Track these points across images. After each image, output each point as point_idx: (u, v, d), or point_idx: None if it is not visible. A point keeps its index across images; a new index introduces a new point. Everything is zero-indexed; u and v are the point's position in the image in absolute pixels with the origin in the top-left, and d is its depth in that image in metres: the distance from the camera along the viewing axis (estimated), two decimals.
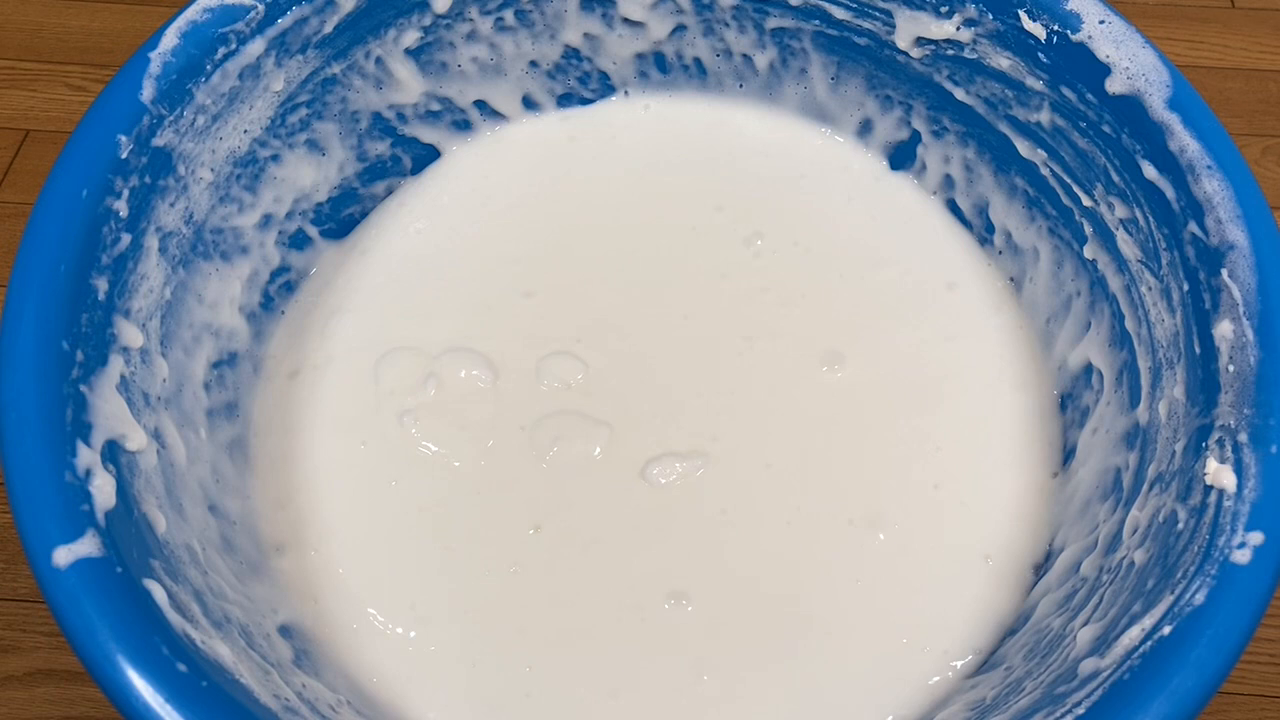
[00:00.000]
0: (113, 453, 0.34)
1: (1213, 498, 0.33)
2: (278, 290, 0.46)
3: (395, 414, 0.43)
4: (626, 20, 0.50)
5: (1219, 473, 0.33)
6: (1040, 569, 0.41)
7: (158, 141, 0.39)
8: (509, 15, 0.49)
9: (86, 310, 0.36)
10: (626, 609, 0.39)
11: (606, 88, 0.52)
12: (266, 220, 0.45)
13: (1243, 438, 0.33)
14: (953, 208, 0.49)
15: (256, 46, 0.42)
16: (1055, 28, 0.41)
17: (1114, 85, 0.40)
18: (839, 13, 0.47)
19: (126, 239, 0.38)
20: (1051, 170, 0.44)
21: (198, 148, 0.41)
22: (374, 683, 0.38)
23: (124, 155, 0.38)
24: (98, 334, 0.36)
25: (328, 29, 0.44)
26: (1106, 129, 0.41)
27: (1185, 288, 0.37)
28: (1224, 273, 0.36)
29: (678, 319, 0.46)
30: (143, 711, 0.29)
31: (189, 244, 0.41)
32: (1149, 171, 0.39)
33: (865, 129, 0.50)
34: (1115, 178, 0.41)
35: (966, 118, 0.47)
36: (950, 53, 0.45)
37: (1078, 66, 0.41)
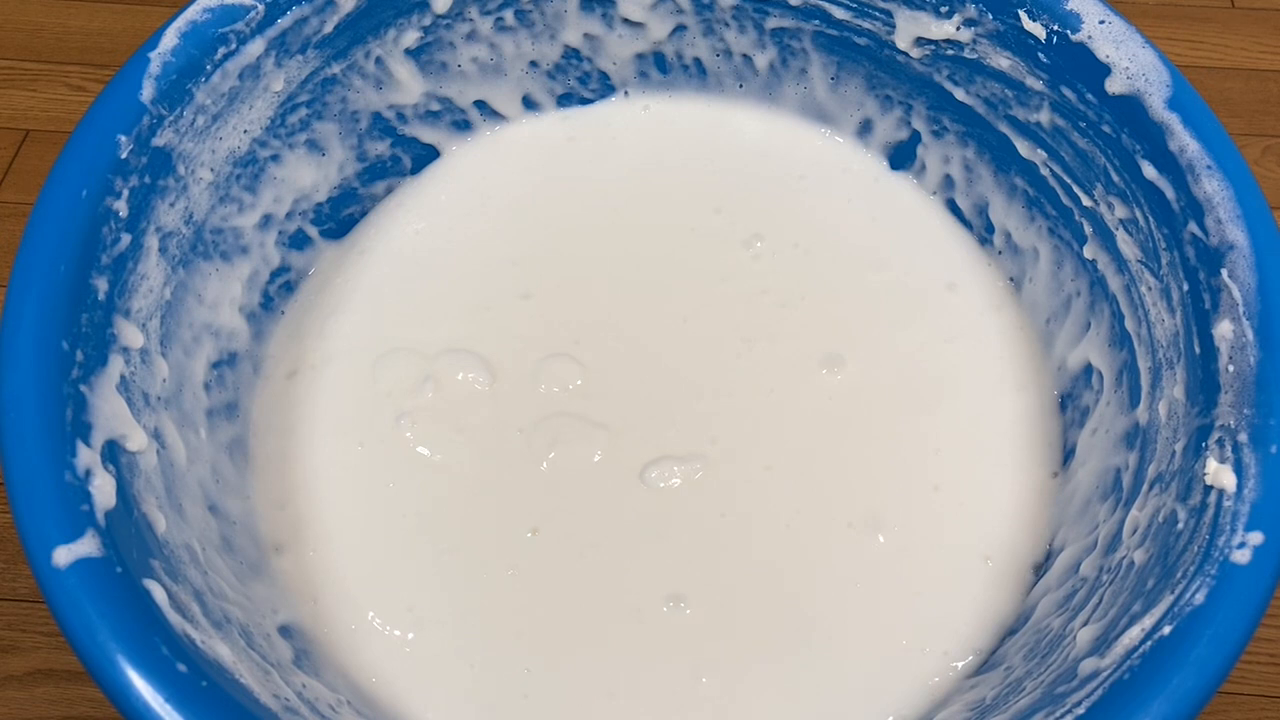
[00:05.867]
0: (113, 453, 0.34)
1: (1212, 498, 0.33)
2: (277, 290, 0.46)
3: (393, 416, 0.43)
4: (626, 20, 0.50)
5: (1219, 473, 0.33)
6: (1040, 569, 0.41)
7: (158, 141, 0.39)
8: (509, 15, 0.49)
9: (86, 310, 0.36)
10: (625, 611, 0.39)
11: (606, 88, 0.52)
12: (266, 220, 0.45)
13: (1243, 438, 0.33)
14: (953, 208, 0.49)
15: (256, 46, 0.42)
16: (1055, 28, 0.41)
17: (1114, 85, 0.40)
18: (839, 13, 0.47)
19: (126, 239, 0.38)
20: (1051, 170, 0.44)
21: (198, 148, 0.41)
22: (373, 683, 0.38)
23: (124, 155, 0.38)
24: (98, 334, 0.36)
25: (328, 29, 0.44)
26: (1106, 129, 0.41)
27: (1185, 288, 0.37)
28: (1224, 273, 0.36)
29: (677, 321, 0.46)
30: (143, 711, 0.29)
31: (189, 244, 0.41)
32: (1149, 171, 0.39)
33: (865, 129, 0.50)
34: (1115, 178, 0.41)
35: (966, 118, 0.47)
36: (950, 53, 0.45)
37: (1078, 66, 0.41)
